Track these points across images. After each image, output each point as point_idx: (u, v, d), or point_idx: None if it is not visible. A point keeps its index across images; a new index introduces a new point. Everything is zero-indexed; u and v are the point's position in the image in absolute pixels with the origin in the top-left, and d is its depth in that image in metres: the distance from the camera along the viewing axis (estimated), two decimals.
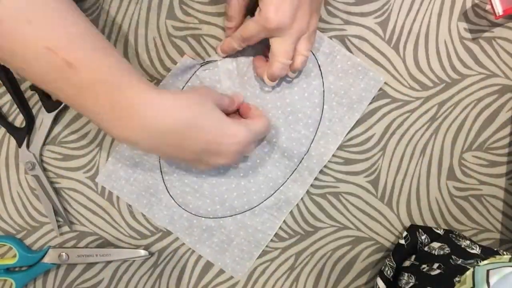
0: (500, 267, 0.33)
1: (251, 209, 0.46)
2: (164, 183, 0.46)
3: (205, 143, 0.36)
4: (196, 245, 0.46)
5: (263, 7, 0.37)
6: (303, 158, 0.45)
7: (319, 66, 0.45)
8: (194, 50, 0.45)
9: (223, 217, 0.46)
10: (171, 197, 0.46)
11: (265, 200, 0.46)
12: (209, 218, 0.46)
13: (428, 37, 0.45)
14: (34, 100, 0.46)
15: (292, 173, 0.46)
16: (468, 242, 0.40)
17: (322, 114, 0.45)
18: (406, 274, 0.40)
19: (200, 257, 0.46)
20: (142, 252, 0.45)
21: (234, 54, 0.44)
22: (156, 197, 0.46)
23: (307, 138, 0.45)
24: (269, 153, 0.46)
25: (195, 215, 0.46)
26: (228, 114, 0.41)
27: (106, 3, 0.46)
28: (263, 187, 0.46)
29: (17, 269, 0.45)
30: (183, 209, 0.46)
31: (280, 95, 0.45)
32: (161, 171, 0.46)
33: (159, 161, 0.46)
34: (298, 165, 0.46)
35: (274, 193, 0.46)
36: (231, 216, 0.46)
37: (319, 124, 0.45)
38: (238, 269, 0.46)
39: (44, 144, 0.46)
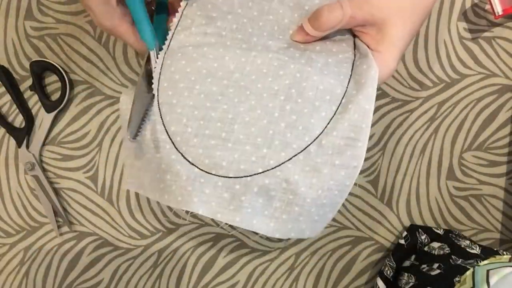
0: (500, 267, 0.33)
1: (315, 139, 0.34)
2: (175, 147, 0.35)
3: None
4: (253, 220, 0.34)
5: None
6: (355, 47, 0.37)
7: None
8: None
9: (278, 165, 0.34)
10: (190, 162, 0.34)
11: (330, 121, 0.34)
12: (258, 173, 0.34)
13: (428, 37, 0.45)
14: (33, 100, 0.46)
15: (350, 77, 0.36)
16: (468, 242, 0.40)
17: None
18: (406, 274, 0.40)
19: (200, 256, 0.46)
20: None
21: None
22: (172, 172, 0.35)
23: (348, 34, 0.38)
24: (308, 64, 0.36)
25: (235, 177, 0.34)
26: None
27: None
28: (319, 104, 0.34)
29: None
30: (214, 175, 0.34)
31: (294, 3, 0.38)
32: (167, 133, 0.35)
33: (162, 121, 0.36)
34: (354, 61, 0.36)
35: (338, 106, 0.35)
36: (290, 159, 0.34)
37: None
38: (315, 227, 0.36)
39: (43, 144, 0.46)
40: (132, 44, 0.38)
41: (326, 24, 0.35)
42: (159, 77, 0.37)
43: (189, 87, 0.36)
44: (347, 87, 0.36)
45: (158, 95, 0.37)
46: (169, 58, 0.38)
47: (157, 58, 0.37)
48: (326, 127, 0.34)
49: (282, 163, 0.34)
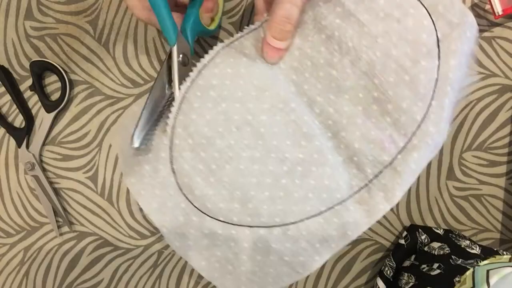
0: (500, 267, 0.33)
1: (284, 225, 0.33)
2: (170, 147, 0.34)
3: None
4: (188, 252, 0.34)
5: None
6: (381, 172, 0.32)
7: (438, 41, 0.32)
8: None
9: (238, 225, 0.33)
10: (173, 171, 0.34)
11: (309, 218, 0.33)
12: (218, 220, 0.33)
13: None
14: (33, 101, 0.46)
15: (360, 190, 0.33)
16: (468, 242, 0.40)
17: (426, 113, 0.31)
18: (406, 274, 0.40)
19: None
20: None
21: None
22: (152, 166, 0.34)
23: (394, 143, 0.32)
24: (332, 150, 0.33)
25: (198, 209, 0.33)
26: None
27: (106, 3, 0.46)
28: (312, 196, 0.32)
29: None
30: (183, 194, 0.33)
31: (366, 70, 0.32)
32: (172, 129, 0.34)
33: (176, 114, 0.34)
34: (372, 180, 0.32)
35: (325, 210, 0.33)
36: (251, 227, 0.33)
37: (418, 126, 0.31)
38: None
39: (43, 144, 0.46)
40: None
41: None
42: (201, 70, 0.34)
43: (217, 101, 0.34)
44: (348, 198, 0.33)
45: (190, 85, 0.34)
46: (220, 55, 0.35)
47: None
48: (301, 220, 0.32)
49: (240, 226, 0.33)
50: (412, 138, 0.32)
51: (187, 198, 0.34)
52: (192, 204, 0.34)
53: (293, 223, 0.32)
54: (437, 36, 0.32)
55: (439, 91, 0.31)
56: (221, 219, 0.33)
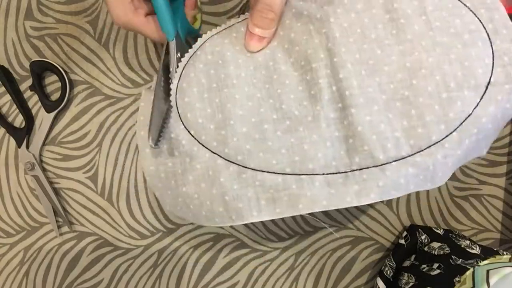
0: (500, 267, 0.33)
1: (243, 166, 0.32)
2: (178, 111, 0.35)
3: None
4: (146, 149, 0.35)
5: None
6: (368, 167, 0.31)
7: (488, 83, 0.32)
8: None
9: (203, 145, 0.33)
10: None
11: (269, 172, 0.32)
12: (189, 132, 0.34)
13: None
14: (33, 101, 0.46)
15: (336, 173, 0.32)
16: (468, 242, 0.40)
17: (443, 139, 0.31)
18: (406, 274, 0.40)
19: (200, 256, 0.46)
20: None
21: None
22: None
23: (396, 149, 0.31)
24: (332, 122, 0.32)
25: (178, 114, 0.35)
26: None
27: None
28: (284, 153, 0.32)
29: None
30: (175, 96, 0.35)
31: (411, 67, 0.32)
32: (176, 88, 0.35)
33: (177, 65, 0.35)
34: (354, 170, 0.31)
35: (289, 173, 0.32)
36: (213, 152, 0.33)
37: (428, 146, 0.31)
38: None
39: (43, 144, 0.46)
40: (149, 36, 0.37)
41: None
42: (235, 23, 0.36)
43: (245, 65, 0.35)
44: (320, 174, 0.32)
45: (227, 28, 0.36)
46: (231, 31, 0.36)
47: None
48: (261, 170, 0.32)
49: (203, 146, 0.33)
50: (416, 154, 0.30)
51: (175, 100, 0.34)
52: (177, 107, 0.34)
53: (252, 168, 0.31)
54: (490, 79, 0.31)
55: (465, 128, 0.30)
56: (191, 132, 0.33)
